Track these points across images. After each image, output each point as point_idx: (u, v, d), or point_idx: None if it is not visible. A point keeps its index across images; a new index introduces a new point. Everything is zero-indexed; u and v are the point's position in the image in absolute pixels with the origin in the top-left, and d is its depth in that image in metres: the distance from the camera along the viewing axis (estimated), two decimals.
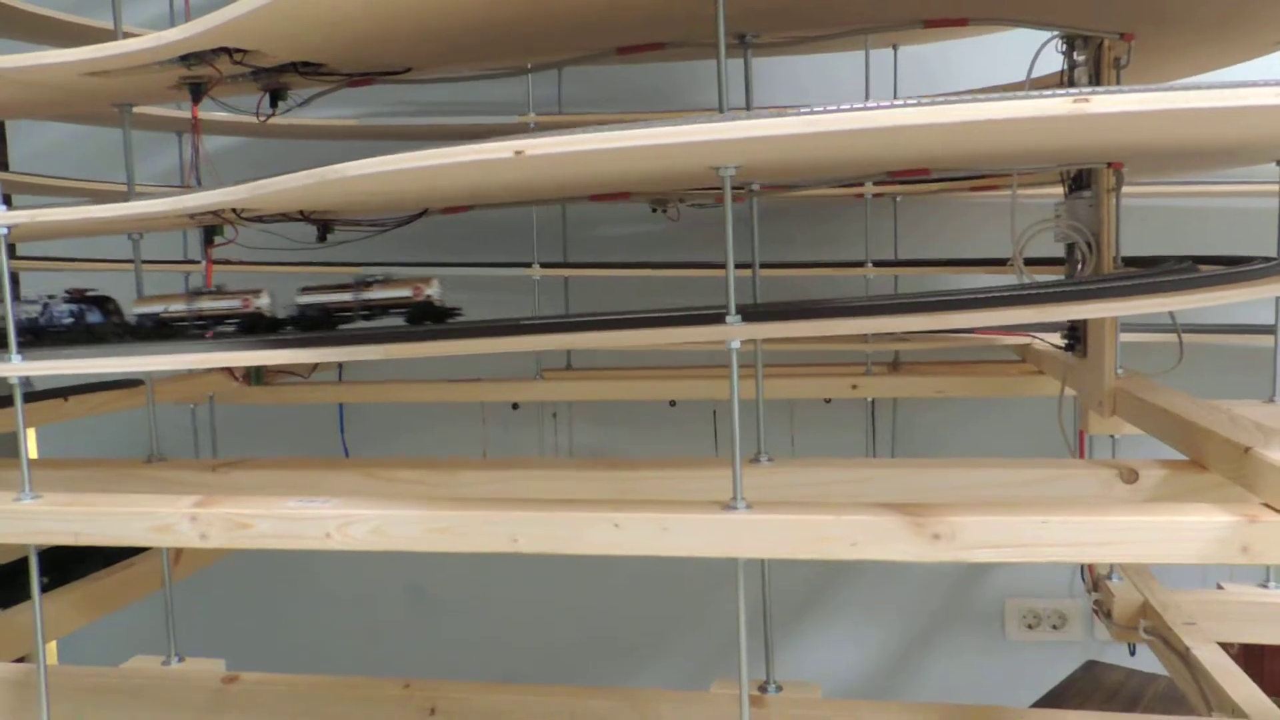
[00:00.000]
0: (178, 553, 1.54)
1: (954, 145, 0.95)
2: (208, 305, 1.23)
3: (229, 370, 1.87)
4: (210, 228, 1.37)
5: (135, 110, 1.41)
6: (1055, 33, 1.27)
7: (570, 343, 1.07)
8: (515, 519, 0.96)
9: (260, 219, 1.26)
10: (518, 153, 0.81)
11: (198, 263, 1.87)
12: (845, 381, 1.80)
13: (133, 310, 1.27)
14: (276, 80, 1.29)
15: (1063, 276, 1.41)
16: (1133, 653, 1.65)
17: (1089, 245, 1.29)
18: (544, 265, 1.91)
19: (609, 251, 2.08)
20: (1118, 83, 1.24)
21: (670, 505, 0.95)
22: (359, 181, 0.91)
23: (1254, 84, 0.72)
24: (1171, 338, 1.40)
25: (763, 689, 1.19)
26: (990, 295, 0.96)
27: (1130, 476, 1.09)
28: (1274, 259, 1.19)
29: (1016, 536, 0.86)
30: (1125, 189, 1.29)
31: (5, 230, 1.11)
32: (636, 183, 1.30)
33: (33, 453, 2.03)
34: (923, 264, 1.87)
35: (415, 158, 0.85)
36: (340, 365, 2.03)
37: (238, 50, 1.14)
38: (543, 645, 2.24)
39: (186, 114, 1.38)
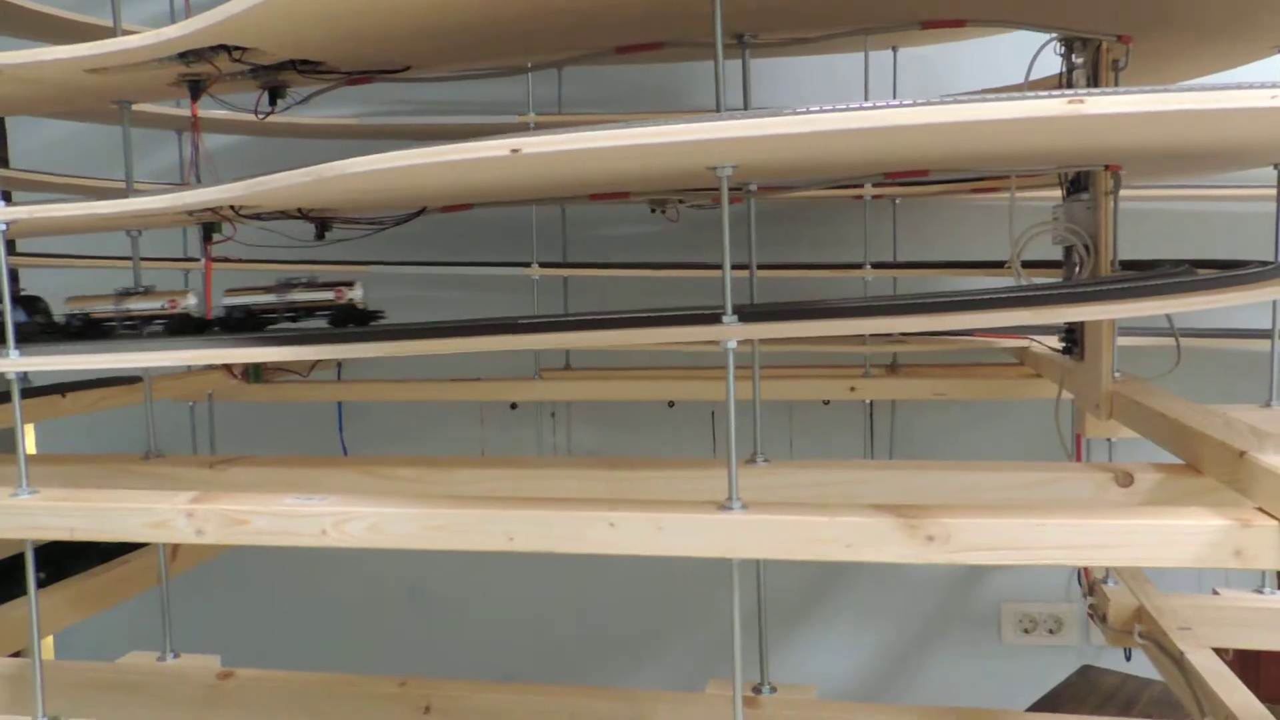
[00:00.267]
0: (174, 549, 1.54)
1: (951, 146, 0.95)
2: (135, 306, 1.23)
3: (228, 367, 1.87)
4: (209, 225, 1.38)
5: (134, 108, 1.41)
6: (1053, 35, 1.27)
7: (567, 342, 1.07)
8: (511, 517, 0.96)
9: (259, 216, 1.26)
10: (514, 151, 0.81)
11: (197, 260, 1.87)
12: (843, 383, 1.80)
13: (64, 309, 1.28)
14: (275, 78, 1.29)
15: (1060, 279, 1.41)
16: (1128, 657, 1.65)
17: (1087, 248, 1.29)
18: (543, 265, 1.92)
19: (608, 251, 2.09)
20: (1116, 85, 1.24)
21: (665, 505, 0.95)
22: (357, 179, 0.91)
23: (1248, 86, 0.72)
24: (1169, 341, 1.40)
25: (758, 690, 1.19)
26: (987, 297, 0.96)
27: (1126, 480, 1.09)
28: (1271, 263, 1.19)
29: (1011, 539, 0.87)
30: (1123, 192, 1.29)
31: (4, 226, 1.11)
32: (634, 183, 1.30)
33: (31, 448, 2.03)
34: (921, 266, 1.87)
35: (412, 155, 0.85)
36: (339, 363, 2.03)
37: (237, 48, 1.14)
38: (539, 644, 2.24)
39: (186, 112, 1.38)
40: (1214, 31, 1.31)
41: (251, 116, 1.39)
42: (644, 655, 2.22)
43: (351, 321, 1.17)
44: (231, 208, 1.17)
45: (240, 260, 1.74)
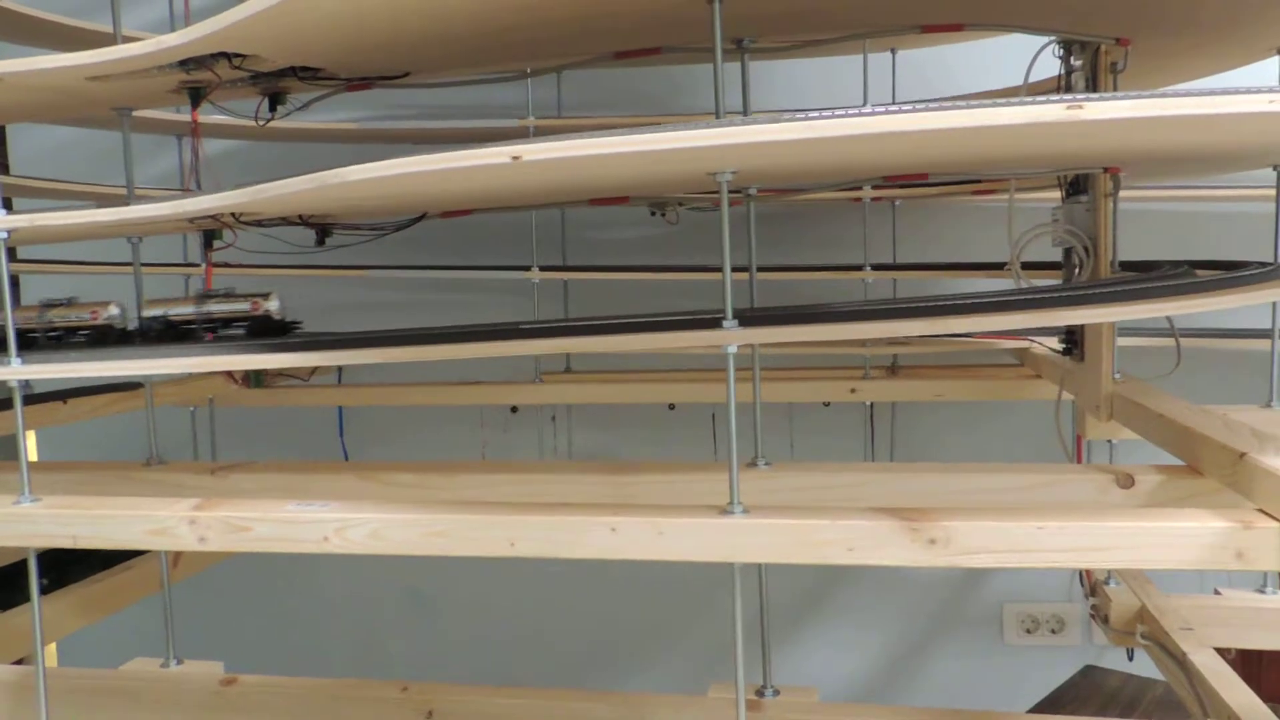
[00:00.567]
0: (176, 555, 1.54)
1: (951, 150, 0.95)
2: (59, 316, 1.24)
3: (229, 373, 1.87)
4: (210, 232, 1.38)
5: (135, 114, 1.42)
6: (1052, 38, 1.27)
7: (569, 347, 1.07)
8: (512, 523, 0.96)
9: (260, 223, 1.26)
10: (515, 158, 0.82)
11: (198, 266, 1.87)
12: (844, 385, 1.80)
13: None
14: (275, 85, 1.29)
15: (1060, 281, 1.41)
16: (1130, 657, 1.65)
17: (1086, 250, 1.30)
18: (543, 268, 1.92)
19: (608, 254, 2.09)
20: (1115, 88, 1.24)
21: (666, 509, 0.95)
22: (357, 186, 0.91)
23: (1248, 91, 0.72)
24: (1169, 342, 1.40)
25: (760, 693, 1.19)
26: (987, 300, 0.96)
27: (1126, 482, 1.09)
28: (1271, 264, 1.19)
29: (1012, 541, 0.87)
30: (1122, 193, 1.29)
31: (5, 235, 1.11)
32: (634, 187, 1.30)
33: (32, 455, 2.03)
34: (921, 268, 1.87)
35: (413, 163, 0.85)
36: (339, 368, 2.03)
37: (237, 55, 1.14)
38: (541, 648, 2.24)
39: (186, 118, 1.39)
40: (1210, 32, 1.31)
41: (252, 122, 1.39)
42: (646, 659, 2.22)
43: (268, 332, 1.19)
44: (232, 215, 1.17)
45: (241, 265, 1.74)
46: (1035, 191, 1.68)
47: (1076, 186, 1.33)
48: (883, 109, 0.77)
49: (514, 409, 2.10)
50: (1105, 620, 1.47)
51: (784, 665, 2.09)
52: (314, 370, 1.98)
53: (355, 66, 1.31)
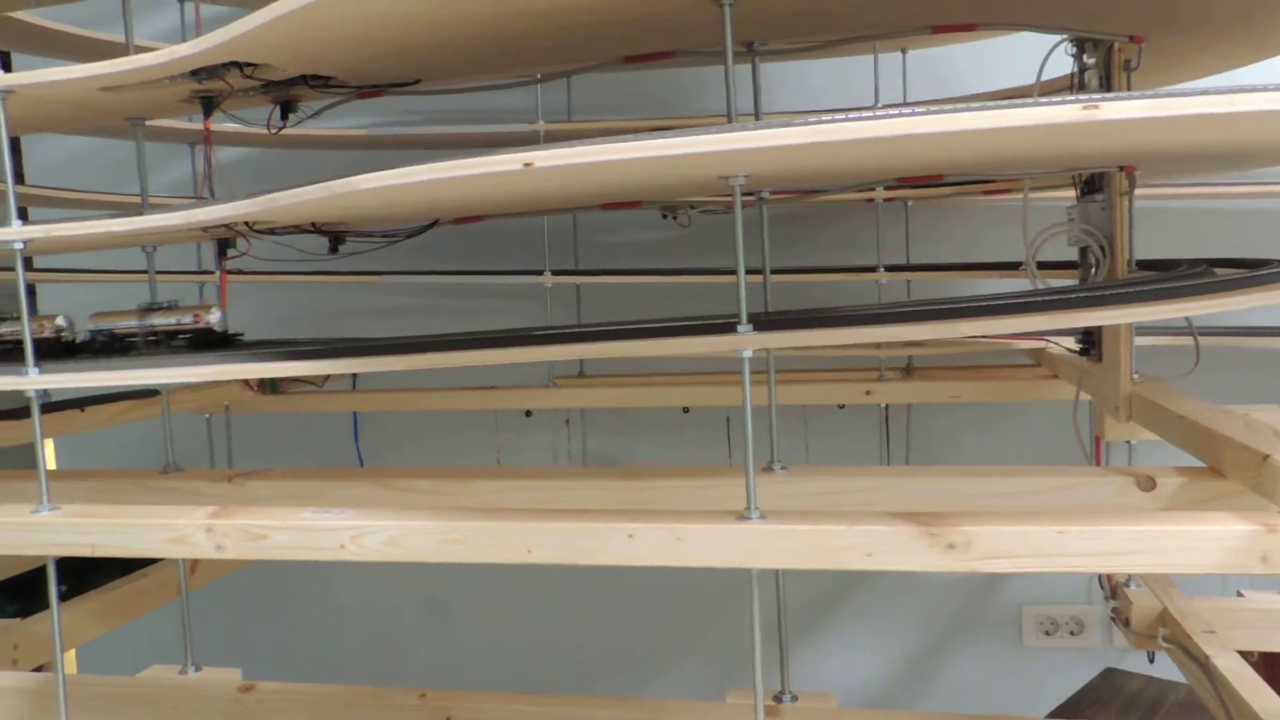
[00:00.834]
0: (194, 562, 1.54)
1: (965, 152, 0.94)
2: (4, 329, 1.24)
3: (245, 380, 1.88)
4: (224, 240, 1.38)
5: (148, 123, 1.42)
6: (1064, 36, 1.26)
7: (583, 353, 1.07)
8: (529, 530, 0.96)
9: (273, 231, 1.26)
10: (526, 165, 0.81)
11: (212, 273, 1.88)
12: (859, 387, 1.79)
13: None
14: (287, 93, 1.30)
15: (1077, 280, 1.40)
16: (1152, 660, 1.64)
17: (1102, 249, 1.28)
18: (555, 273, 1.92)
19: (620, 258, 2.09)
20: (1128, 86, 1.23)
21: (684, 515, 0.94)
22: (369, 194, 0.91)
23: (1265, 89, 0.71)
24: (1187, 340, 1.39)
25: (778, 699, 1.18)
26: (1003, 302, 0.95)
27: (1148, 484, 1.08)
28: None
29: (1033, 546, 0.86)
30: (1138, 191, 1.28)
31: (21, 245, 1.12)
32: (646, 192, 1.30)
33: (51, 463, 2.04)
34: (935, 269, 1.86)
35: (424, 170, 0.85)
36: (354, 374, 2.04)
37: (248, 64, 1.14)
38: (558, 654, 2.24)
39: (199, 126, 1.39)
40: (1225, 29, 1.30)
41: (264, 130, 1.40)
42: (663, 665, 2.22)
43: (210, 345, 1.21)
44: (245, 223, 1.18)
45: (255, 273, 1.75)
46: (1049, 190, 1.66)
47: (1091, 185, 1.32)
48: (895, 111, 0.76)
49: (528, 413, 2.10)
50: (1126, 623, 1.45)
51: (801, 669, 2.07)
52: (328, 376, 1.99)
53: (366, 74, 1.32)
